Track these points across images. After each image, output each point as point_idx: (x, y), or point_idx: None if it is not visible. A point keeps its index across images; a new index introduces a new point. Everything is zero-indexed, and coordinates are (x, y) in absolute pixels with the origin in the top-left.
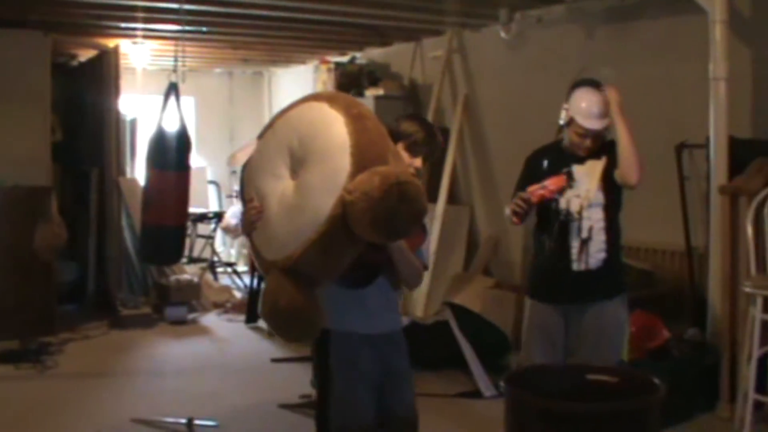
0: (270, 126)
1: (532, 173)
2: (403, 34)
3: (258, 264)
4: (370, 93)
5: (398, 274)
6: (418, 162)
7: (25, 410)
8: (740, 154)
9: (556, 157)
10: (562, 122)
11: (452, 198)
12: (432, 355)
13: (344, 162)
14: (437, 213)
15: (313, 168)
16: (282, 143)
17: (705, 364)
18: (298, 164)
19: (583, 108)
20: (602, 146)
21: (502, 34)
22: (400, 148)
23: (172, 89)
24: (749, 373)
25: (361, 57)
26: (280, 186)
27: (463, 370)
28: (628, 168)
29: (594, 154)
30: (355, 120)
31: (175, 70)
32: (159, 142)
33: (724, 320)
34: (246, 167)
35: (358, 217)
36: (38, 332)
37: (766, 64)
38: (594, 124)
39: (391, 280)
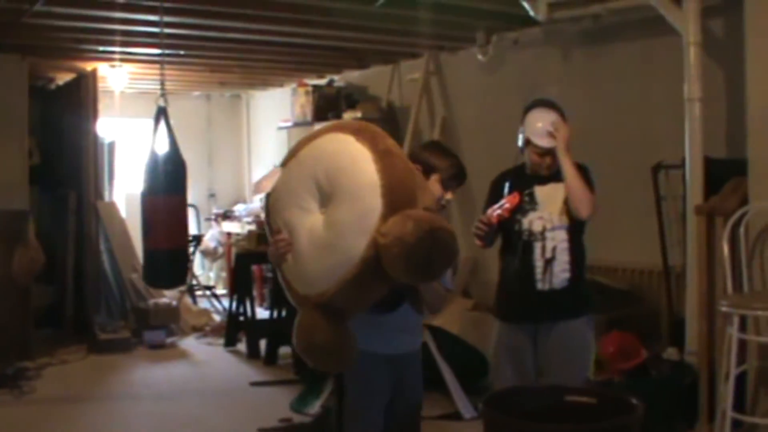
0: (293, 155)
1: (496, 197)
2: (381, 57)
3: (289, 295)
4: (348, 115)
5: (422, 300)
6: (449, 195)
7: None
8: (716, 173)
9: (519, 180)
10: (520, 144)
11: None
12: None
13: (375, 203)
14: None
15: (342, 205)
16: (307, 175)
17: (683, 384)
18: (326, 198)
19: (539, 128)
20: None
21: (479, 57)
22: (433, 180)
23: (161, 113)
24: (727, 392)
25: (339, 79)
26: (308, 220)
27: (443, 392)
28: (577, 204)
29: (555, 176)
30: (383, 157)
31: (162, 95)
32: (153, 167)
33: (701, 339)
34: (270, 196)
35: (392, 262)
36: (15, 357)
37: (740, 85)
38: (550, 143)
39: (414, 305)
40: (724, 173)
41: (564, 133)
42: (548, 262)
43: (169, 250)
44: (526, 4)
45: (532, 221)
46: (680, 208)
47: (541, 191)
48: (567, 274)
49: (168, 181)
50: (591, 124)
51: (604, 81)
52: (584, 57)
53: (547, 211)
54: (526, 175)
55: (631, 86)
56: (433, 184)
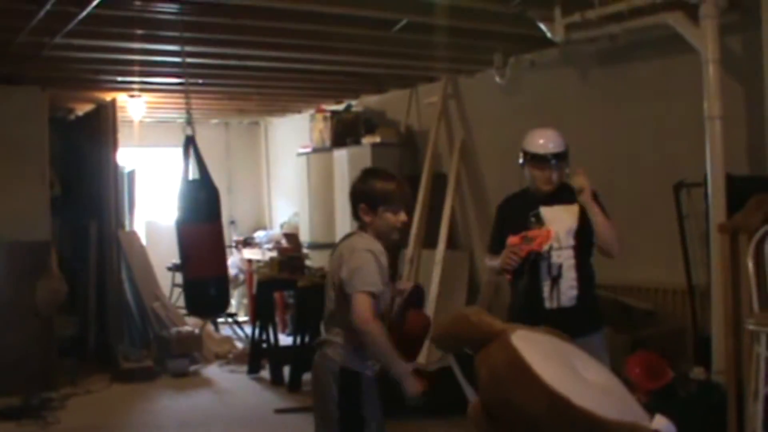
0: None
1: (503, 221)
2: (398, 81)
3: None
4: (367, 141)
5: None
6: (403, 216)
7: None
8: (738, 191)
9: (524, 201)
10: (521, 162)
11: (451, 243)
12: (439, 401)
13: None
14: (437, 258)
15: None
16: None
17: (711, 403)
18: None
19: (541, 144)
20: (570, 191)
21: (497, 79)
22: (382, 212)
23: (190, 143)
24: (756, 411)
25: (357, 104)
26: None
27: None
28: (609, 246)
29: (561, 198)
30: None
31: (189, 123)
32: (187, 196)
33: (728, 358)
34: None
35: None
36: (39, 387)
37: (760, 101)
38: (554, 149)
39: None
40: (747, 190)
41: (584, 183)
42: (555, 281)
43: (212, 278)
44: (542, 26)
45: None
46: (703, 227)
47: (547, 211)
48: (575, 292)
49: (204, 210)
50: (611, 144)
51: (623, 101)
52: (602, 77)
53: (554, 231)
54: (531, 197)
55: (650, 105)
56: (386, 217)
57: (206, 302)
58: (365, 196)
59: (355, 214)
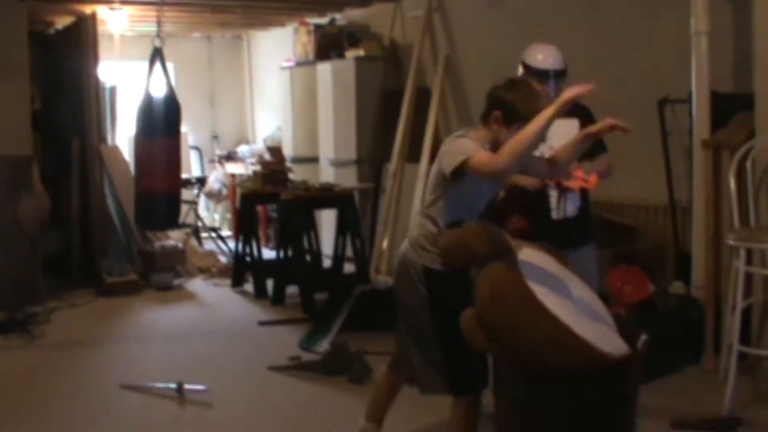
0: None
1: None
2: None
3: None
4: (351, 54)
5: None
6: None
7: (14, 380)
8: (722, 108)
9: None
10: (519, 75)
11: (435, 158)
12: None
13: None
14: (420, 173)
15: None
16: None
17: (690, 317)
18: None
19: (542, 59)
20: (574, 108)
21: None
22: (515, 129)
23: (157, 55)
24: (733, 325)
25: (341, 18)
26: None
27: None
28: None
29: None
30: None
31: (158, 35)
32: (147, 109)
33: (708, 273)
34: None
35: None
36: (24, 302)
37: (747, 18)
38: (555, 65)
39: None
40: (731, 108)
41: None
42: (562, 192)
43: (163, 193)
44: None
45: (543, 153)
46: (687, 143)
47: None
48: (578, 202)
49: (160, 124)
50: (596, 60)
51: (610, 16)
52: None
53: (558, 145)
54: None
55: (637, 20)
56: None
57: (154, 216)
58: (505, 107)
59: (484, 117)
